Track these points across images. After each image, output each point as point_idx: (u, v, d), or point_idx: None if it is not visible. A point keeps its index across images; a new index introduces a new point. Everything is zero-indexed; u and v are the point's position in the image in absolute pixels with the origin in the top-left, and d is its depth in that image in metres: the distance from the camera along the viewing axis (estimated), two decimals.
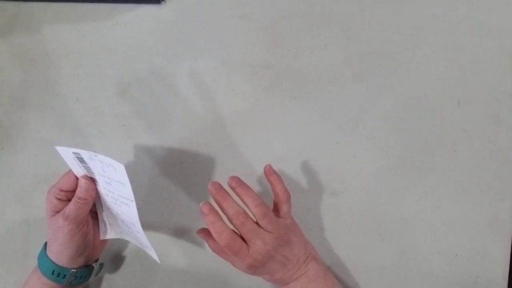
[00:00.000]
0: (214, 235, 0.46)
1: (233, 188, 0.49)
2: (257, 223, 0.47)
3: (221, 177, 0.56)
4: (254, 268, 0.47)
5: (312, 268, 0.48)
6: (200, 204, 0.47)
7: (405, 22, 0.53)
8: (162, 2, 0.57)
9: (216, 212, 0.47)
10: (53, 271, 0.49)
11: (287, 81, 0.55)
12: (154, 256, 0.51)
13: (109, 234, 0.53)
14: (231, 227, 0.47)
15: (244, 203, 0.48)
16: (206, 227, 0.47)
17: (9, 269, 0.59)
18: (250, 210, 0.47)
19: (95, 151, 0.44)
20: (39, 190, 0.59)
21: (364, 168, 0.54)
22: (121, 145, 0.58)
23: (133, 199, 0.46)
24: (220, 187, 0.48)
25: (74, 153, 0.46)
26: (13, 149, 0.60)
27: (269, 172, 0.50)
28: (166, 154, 0.57)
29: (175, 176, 0.57)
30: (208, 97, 0.57)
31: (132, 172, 0.57)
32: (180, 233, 0.57)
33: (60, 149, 0.46)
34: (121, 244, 0.57)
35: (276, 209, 0.50)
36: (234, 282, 0.56)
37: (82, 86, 0.59)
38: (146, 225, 0.57)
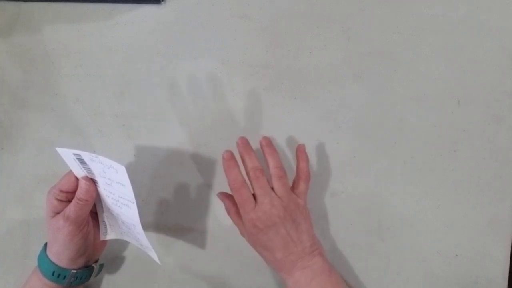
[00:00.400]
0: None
1: (262, 146, 0.50)
2: (272, 188, 0.48)
3: (221, 177, 0.56)
4: (256, 230, 0.47)
5: (318, 262, 0.48)
6: (223, 151, 0.49)
7: (405, 22, 0.53)
8: (162, 2, 0.57)
9: (236, 161, 0.49)
10: (53, 272, 0.49)
11: (287, 81, 0.55)
12: (155, 257, 0.51)
13: (109, 235, 0.53)
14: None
15: (266, 162, 0.49)
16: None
17: (9, 269, 0.59)
18: (269, 170, 0.49)
19: (95, 153, 0.44)
20: (39, 190, 0.59)
21: (364, 168, 0.54)
22: (121, 145, 0.58)
23: (134, 200, 0.46)
24: (247, 143, 0.50)
25: (74, 154, 0.46)
26: (13, 149, 0.60)
27: (301, 150, 0.51)
28: (166, 154, 0.57)
29: (175, 176, 0.57)
30: (208, 97, 0.57)
31: (132, 172, 0.57)
32: (180, 233, 0.57)
33: (61, 150, 0.46)
34: (121, 244, 0.57)
35: (293, 186, 0.50)
36: (234, 282, 0.56)
37: (82, 86, 0.59)
38: (146, 225, 0.57)
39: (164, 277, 0.57)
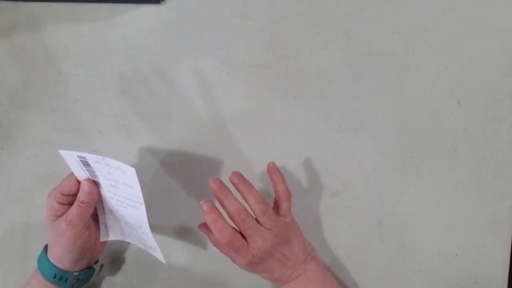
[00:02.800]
0: (215, 233, 0.46)
1: (234, 184, 0.49)
2: (257, 220, 0.47)
3: (221, 177, 0.56)
4: (253, 265, 0.47)
5: (311, 268, 0.48)
6: (201, 202, 0.47)
7: (405, 22, 0.53)
8: (162, 2, 0.57)
9: (217, 210, 0.47)
10: (55, 275, 0.49)
11: (287, 81, 0.55)
12: (160, 257, 0.51)
13: (110, 236, 0.53)
14: (231, 224, 0.47)
15: (245, 199, 0.48)
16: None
17: (9, 269, 0.59)
18: (250, 207, 0.48)
19: (100, 154, 0.44)
20: (39, 190, 0.59)
21: (364, 168, 0.54)
22: (121, 145, 0.58)
23: (142, 201, 0.46)
24: (221, 184, 0.48)
25: (79, 156, 0.45)
26: (13, 149, 0.60)
27: (272, 169, 0.50)
28: (166, 154, 0.57)
29: (175, 176, 0.57)
30: (208, 97, 0.57)
31: None
32: (180, 233, 0.57)
33: (64, 153, 0.46)
34: (121, 245, 0.57)
35: (276, 207, 0.50)
36: (234, 282, 0.56)
37: (82, 86, 0.59)
38: None
39: (164, 277, 0.57)
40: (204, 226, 0.51)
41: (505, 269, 0.52)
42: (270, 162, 0.50)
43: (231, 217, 0.47)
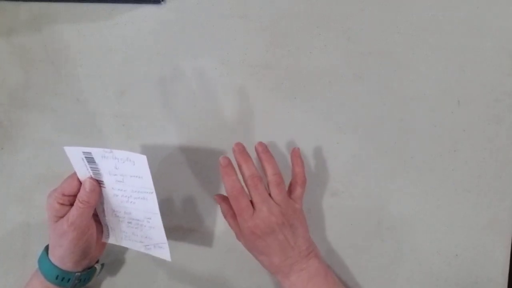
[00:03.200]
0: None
1: (258, 152, 0.50)
2: (269, 194, 0.47)
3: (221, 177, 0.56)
4: (255, 237, 0.47)
5: (314, 264, 0.48)
6: (220, 157, 0.48)
7: (405, 22, 0.53)
8: (162, 2, 0.57)
9: (233, 167, 0.48)
10: (57, 276, 0.48)
11: (287, 81, 0.55)
12: (166, 254, 0.50)
13: (110, 238, 0.53)
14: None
15: (264, 168, 0.49)
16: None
17: (9, 269, 0.59)
18: (267, 177, 0.48)
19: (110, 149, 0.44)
20: (39, 190, 0.59)
21: (364, 168, 0.54)
22: (121, 145, 0.58)
23: (153, 190, 0.45)
24: (243, 148, 0.49)
25: (84, 153, 0.45)
26: (13, 149, 0.60)
27: (296, 153, 0.51)
28: (166, 154, 0.57)
29: (175, 176, 0.57)
30: (208, 97, 0.57)
31: None
32: (180, 233, 0.57)
33: (68, 149, 0.45)
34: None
35: (289, 190, 0.50)
36: (234, 282, 0.56)
37: (82, 86, 0.59)
38: None
39: (164, 278, 0.57)
40: (219, 195, 0.52)
41: (505, 269, 0.52)
42: (295, 148, 0.51)
43: (245, 181, 0.48)
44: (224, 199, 0.51)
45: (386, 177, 0.54)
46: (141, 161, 0.43)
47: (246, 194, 0.47)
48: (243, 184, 0.48)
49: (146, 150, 0.57)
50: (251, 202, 0.47)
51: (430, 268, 0.53)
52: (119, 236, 0.52)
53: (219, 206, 0.52)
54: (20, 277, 0.56)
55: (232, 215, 0.50)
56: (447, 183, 0.53)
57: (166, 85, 0.57)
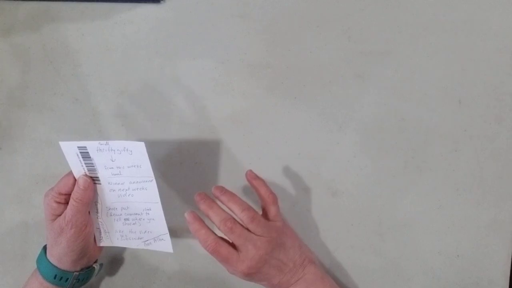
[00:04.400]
0: (200, 243, 0.46)
1: (217, 197, 0.49)
2: (246, 229, 0.46)
3: (221, 177, 0.56)
4: (250, 275, 0.46)
5: (310, 271, 0.48)
6: (185, 213, 0.47)
7: (406, 22, 0.53)
8: (162, 1, 0.57)
9: (201, 220, 0.47)
10: (56, 275, 0.48)
11: (287, 81, 0.55)
12: (167, 246, 0.49)
13: (104, 241, 0.52)
14: (221, 235, 0.47)
15: (230, 210, 0.48)
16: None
17: (7, 269, 0.59)
18: (237, 216, 0.47)
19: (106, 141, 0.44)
20: (38, 190, 0.59)
21: (364, 168, 0.54)
22: None
23: (153, 177, 0.45)
24: (205, 196, 0.49)
25: (79, 147, 0.45)
26: (12, 149, 0.59)
27: (251, 177, 0.50)
28: (166, 154, 0.57)
29: (175, 176, 0.57)
30: (208, 97, 0.56)
31: None
32: (179, 233, 0.57)
33: (64, 144, 0.45)
34: None
35: (264, 212, 0.50)
36: (234, 283, 0.56)
37: (81, 86, 0.58)
38: None
39: (163, 278, 0.57)
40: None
41: (507, 270, 0.51)
42: (247, 171, 0.50)
43: (218, 228, 0.47)
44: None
45: (387, 177, 0.53)
46: (140, 148, 0.43)
47: (221, 241, 0.46)
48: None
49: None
50: (234, 245, 0.46)
51: (431, 268, 0.53)
52: (115, 237, 0.52)
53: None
54: (19, 278, 0.56)
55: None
56: (448, 183, 0.52)
57: (165, 85, 0.57)
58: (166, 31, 0.57)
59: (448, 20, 0.52)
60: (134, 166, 0.45)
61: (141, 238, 0.51)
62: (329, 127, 0.54)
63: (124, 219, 0.50)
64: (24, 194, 0.59)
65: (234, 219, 0.47)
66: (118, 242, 0.52)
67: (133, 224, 0.50)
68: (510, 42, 0.52)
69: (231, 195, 0.48)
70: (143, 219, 0.49)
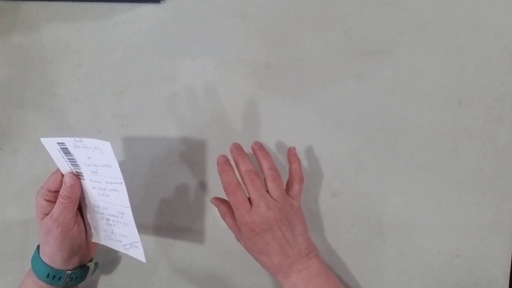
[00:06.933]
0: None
1: (254, 150, 0.51)
2: (267, 191, 0.48)
3: None
4: (253, 234, 0.46)
5: (314, 264, 0.48)
6: (218, 156, 0.49)
7: (406, 22, 0.53)
8: (161, 1, 0.57)
9: (230, 164, 0.49)
10: (48, 274, 0.48)
11: (287, 81, 0.55)
12: (140, 254, 0.48)
13: (94, 237, 0.52)
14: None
15: (260, 165, 0.49)
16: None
17: (7, 270, 0.59)
18: (263, 172, 0.49)
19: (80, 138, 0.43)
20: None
21: (364, 168, 0.54)
22: (120, 145, 0.58)
23: (122, 180, 0.44)
24: (240, 147, 0.50)
25: (58, 143, 0.44)
26: (12, 149, 0.59)
27: (292, 152, 0.51)
28: (166, 154, 0.57)
29: (175, 176, 0.57)
30: (208, 96, 0.56)
31: (131, 172, 0.57)
32: (179, 233, 0.57)
33: (45, 141, 0.45)
34: None
35: (287, 188, 0.50)
36: (234, 282, 0.56)
37: (81, 86, 0.58)
38: (145, 225, 0.57)
39: (163, 278, 0.57)
40: (216, 198, 0.53)
41: (507, 270, 0.51)
42: (290, 147, 0.52)
43: (242, 176, 0.48)
44: (222, 201, 0.51)
45: (387, 177, 0.53)
46: (106, 148, 0.42)
47: (242, 189, 0.48)
48: (241, 181, 0.48)
49: (145, 150, 0.57)
50: (249, 199, 0.47)
51: (431, 268, 0.53)
52: (101, 235, 0.51)
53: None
54: (18, 278, 0.56)
55: (230, 215, 0.50)
56: (448, 183, 0.52)
57: (165, 85, 0.57)
58: (166, 31, 0.57)
59: (448, 20, 0.52)
60: (106, 165, 0.44)
61: (120, 241, 0.50)
62: (329, 127, 0.54)
63: (106, 219, 0.49)
64: (24, 194, 0.59)
65: (258, 174, 0.48)
66: (104, 241, 0.51)
67: (114, 225, 0.49)
68: (510, 42, 0.52)
69: (266, 152, 0.50)
70: (120, 222, 0.48)
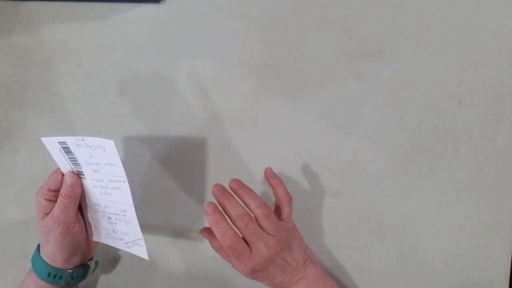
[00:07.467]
0: (218, 236, 0.46)
1: (234, 191, 0.48)
2: (259, 225, 0.46)
3: (221, 177, 0.55)
4: (255, 273, 0.46)
5: (311, 272, 0.48)
6: (205, 204, 0.47)
7: (406, 22, 0.53)
8: (161, 1, 0.57)
9: (221, 212, 0.47)
10: (49, 273, 0.48)
11: (287, 81, 0.55)
12: (143, 252, 0.48)
13: (95, 236, 0.52)
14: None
15: (246, 204, 0.47)
16: (209, 226, 0.47)
17: (7, 269, 0.59)
18: (252, 212, 0.47)
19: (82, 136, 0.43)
20: None
21: (364, 169, 0.54)
22: (120, 145, 0.58)
23: (125, 178, 0.44)
24: (223, 189, 0.48)
25: (59, 142, 0.44)
26: (12, 149, 0.59)
27: (270, 175, 0.50)
28: (166, 154, 0.57)
29: (175, 176, 0.57)
30: (208, 97, 0.56)
31: (131, 172, 0.57)
32: (179, 233, 0.57)
33: (46, 140, 0.45)
34: None
35: (277, 212, 0.50)
36: (234, 282, 0.56)
37: (81, 86, 0.58)
38: (146, 226, 0.57)
39: (163, 278, 0.57)
40: (206, 231, 0.51)
41: (507, 270, 0.51)
42: (266, 168, 0.50)
43: (233, 222, 0.46)
44: (212, 234, 0.48)
45: (387, 177, 0.53)
46: (110, 146, 0.42)
47: (239, 237, 0.46)
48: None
49: (145, 150, 0.57)
50: (244, 240, 0.46)
51: (431, 269, 0.53)
52: (102, 234, 0.51)
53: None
54: (18, 278, 0.56)
55: (225, 251, 0.48)
56: (448, 183, 0.52)
57: (165, 85, 0.57)
58: (166, 31, 0.57)
59: (448, 20, 0.52)
60: (109, 164, 0.44)
61: (122, 239, 0.50)
62: (329, 127, 0.54)
63: (108, 218, 0.49)
64: (24, 194, 0.59)
65: (250, 215, 0.46)
66: (105, 240, 0.51)
67: (115, 223, 0.49)
68: (510, 42, 0.52)
69: (249, 190, 0.48)
70: (122, 220, 0.48)
